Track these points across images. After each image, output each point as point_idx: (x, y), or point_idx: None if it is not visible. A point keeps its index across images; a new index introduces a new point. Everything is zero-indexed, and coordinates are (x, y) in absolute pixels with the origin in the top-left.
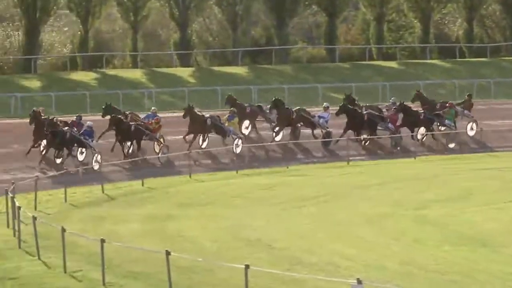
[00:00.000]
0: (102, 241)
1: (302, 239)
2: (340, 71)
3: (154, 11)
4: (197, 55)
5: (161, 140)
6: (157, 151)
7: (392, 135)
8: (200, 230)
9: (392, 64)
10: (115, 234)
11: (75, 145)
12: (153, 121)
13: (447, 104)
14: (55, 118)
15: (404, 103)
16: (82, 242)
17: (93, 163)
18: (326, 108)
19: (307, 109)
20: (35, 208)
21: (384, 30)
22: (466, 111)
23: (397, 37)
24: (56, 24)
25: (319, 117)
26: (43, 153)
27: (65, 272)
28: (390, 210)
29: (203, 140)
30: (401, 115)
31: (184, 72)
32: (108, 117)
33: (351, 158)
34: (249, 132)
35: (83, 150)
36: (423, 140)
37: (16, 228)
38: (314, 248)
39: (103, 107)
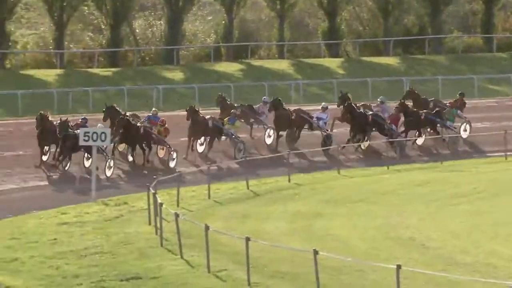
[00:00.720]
0: (247, 239)
1: (457, 238)
2: (498, 61)
3: None
4: (347, 45)
5: (167, 144)
6: (161, 156)
7: (387, 139)
8: (349, 229)
9: None
10: (261, 232)
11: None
12: (158, 123)
13: (448, 104)
14: (68, 120)
15: (405, 102)
16: (226, 241)
17: (106, 170)
18: (324, 109)
19: (306, 110)
20: (178, 205)
21: None
22: (459, 111)
23: None
24: (199, 13)
25: (318, 118)
26: (55, 158)
27: (208, 271)
28: None
29: (201, 144)
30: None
31: (333, 63)
32: (108, 120)
33: (509, 154)
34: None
35: (89, 155)
36: (421, 143)
37: (158, 225)
38: (469, 248)
39: (104, 109)
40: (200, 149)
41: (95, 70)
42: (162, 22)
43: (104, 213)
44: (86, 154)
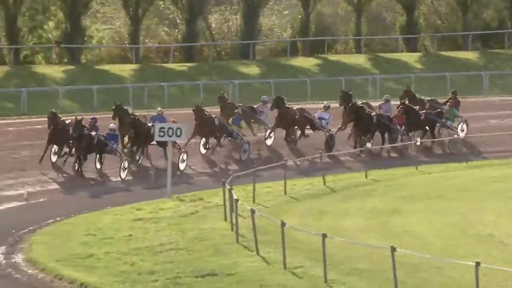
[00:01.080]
0: (324, 236)
1: None
2: None
3: None
4: (425, 39)
5: (178, 145)
6: (167, 158)
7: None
8: (426, 225)
9: None
10: (337, 228)
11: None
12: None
13: (448, 104)
14: (83, 119)
15: (406, 102)
16: (302, 237)
17: (121, 171)
18: (326, 108)
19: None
20: (253, 201)
21: None
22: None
23: None
24: (275, 7)
25: (319, 118)
26: (73, 161)
27: (284, 268)
28: None
29: (205, 143)
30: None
31: (411, 58)
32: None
33: None
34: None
35: (101, 157)
36: (421, 144)
37: (234, 221)
38: None
39: (113, 108)
40: (203, 150)
41: (170, 65)
42: (238, 17)
43: (180, 209)
44: (97, 156)
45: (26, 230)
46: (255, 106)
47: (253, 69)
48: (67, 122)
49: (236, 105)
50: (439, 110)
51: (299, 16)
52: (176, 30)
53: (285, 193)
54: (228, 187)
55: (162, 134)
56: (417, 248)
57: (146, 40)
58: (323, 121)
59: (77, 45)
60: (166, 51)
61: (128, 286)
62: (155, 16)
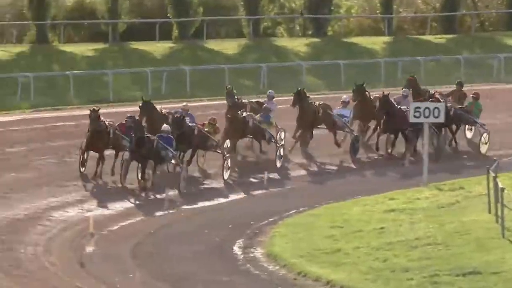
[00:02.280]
0: None
1: None
2: None
3: None
4: None
5: (222, 150)
6: (201, 164)
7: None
8: None
9: None
10: None
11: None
12: (206, 122)
13: (472, 95)
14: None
15: (436, 94)
16: None
17: (181, 183)
18: (346, 104)
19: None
20: None
21: None
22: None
23: None
24: None
25: (339, 115)
26: (121, 168)
27: None
28: None
29: (232, 147)
30: None
31: None
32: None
33: None
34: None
35: (144, 167)
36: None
37: (499, 213)
38: None
39: (140, 105)
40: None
41: (427, 37)
42: None
43: (437, 199)
44: (138, 165)
45: (266, 221)
46: (262, 101)
47: None
48: (106, 122)
49: (244, 101)
50: (464, 105)
51: None
52: None
53: None
54: (493, 174)
55: (418, 114)
56: None
57: (400, 10)
58: (343, 119)
59: (323, 15)
60: (422, 22)
61: (380, 284)
62: None
